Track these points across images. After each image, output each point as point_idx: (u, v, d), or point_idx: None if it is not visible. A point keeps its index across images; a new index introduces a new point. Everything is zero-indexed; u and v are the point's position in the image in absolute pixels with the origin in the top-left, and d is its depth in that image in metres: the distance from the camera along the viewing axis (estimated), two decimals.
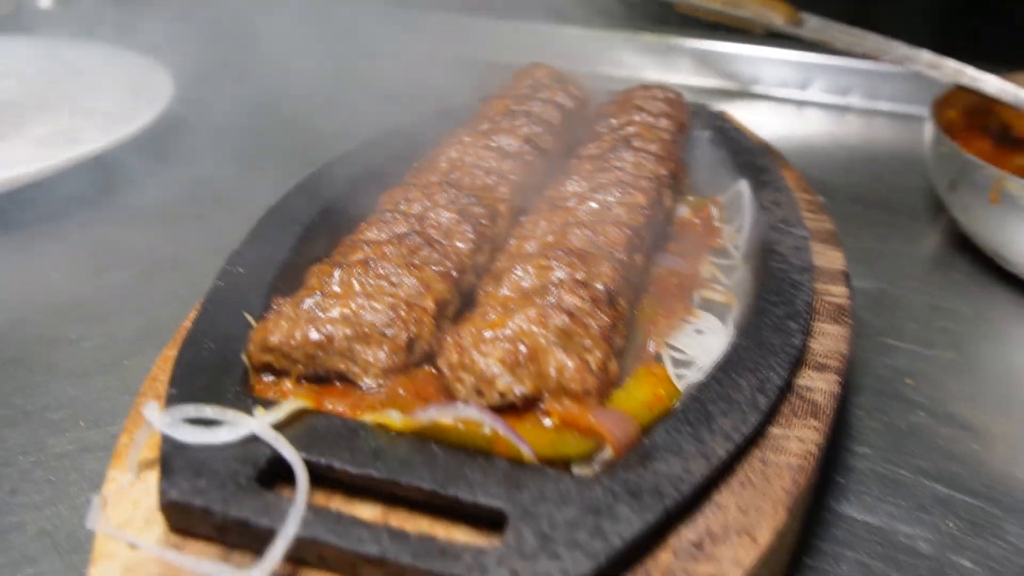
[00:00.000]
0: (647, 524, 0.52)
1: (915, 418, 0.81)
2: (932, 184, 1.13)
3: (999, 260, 1.02)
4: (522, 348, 0.59)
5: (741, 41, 1.54)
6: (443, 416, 0.56)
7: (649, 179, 0.83)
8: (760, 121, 1.03)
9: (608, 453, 0.58)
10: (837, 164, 1.33)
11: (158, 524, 0.54)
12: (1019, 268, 1.00)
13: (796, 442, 0.62)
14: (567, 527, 0.51)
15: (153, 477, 0.57)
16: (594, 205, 0.77)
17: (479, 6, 1.56)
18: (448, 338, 0.62)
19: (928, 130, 1.10)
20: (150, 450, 0.58)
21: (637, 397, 0.61)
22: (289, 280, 0.73)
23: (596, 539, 0.50)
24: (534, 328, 0.61)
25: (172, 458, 0.54)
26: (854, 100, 1.51)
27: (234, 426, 0.55)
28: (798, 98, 1.56)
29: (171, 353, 0.68)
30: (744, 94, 1.56)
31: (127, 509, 0.55)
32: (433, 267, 0.70)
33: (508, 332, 0.60)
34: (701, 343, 0.75)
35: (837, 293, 0.80)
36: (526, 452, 0.55)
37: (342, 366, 0.62)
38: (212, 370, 0.61)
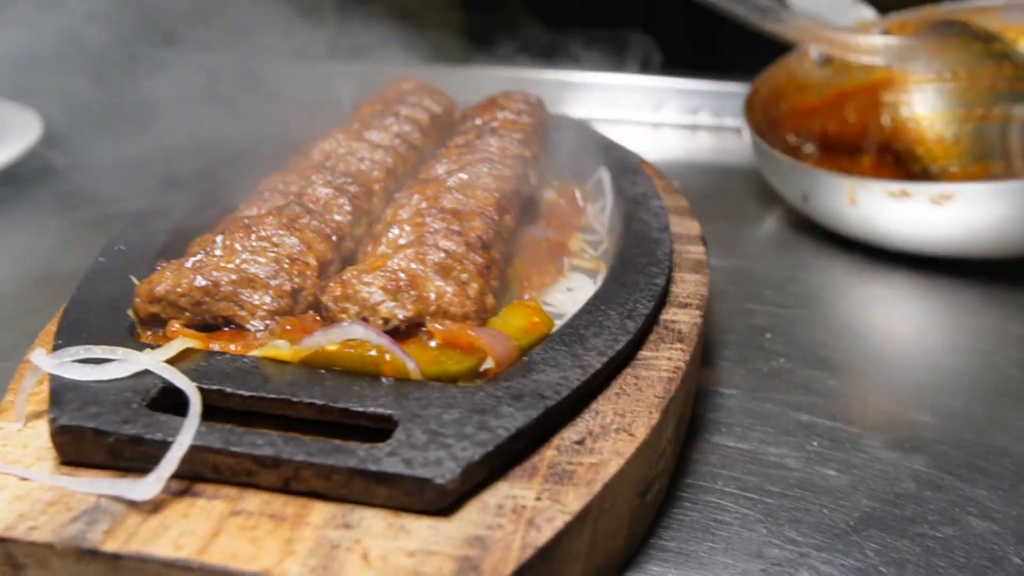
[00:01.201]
0: (529, 419, 0.55)
1: (776, 364, 0.87)
2: (772, 187, 1.23)
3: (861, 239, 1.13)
4: (402, 276, 0.62)
5: (595, 71, 1.64)
6: (329, 338, 0.58)
7: (514, 157, 0.89)
8: (622, 142, 1.11)
9: (490, 373, 0.61)
10: (691, 171, 1.43)
11: (48, 460, 0.54)
12: (895, 242, 1.11)
13: (665, 360, 0.66)
14: (455, 424, 0.53)
15: (41, 424, 0.57)
16: (464, 176, 0.82)
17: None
18: (330, 282, 0.64)
19: (760, 152, 1.20)
20: (37, 404, 0.59)
21: (513, 323, 0.64)
22: (171, 255, 0.74)
23: (482, 432, 0.53)
24: (412, 265, 0.64)
25: (61, 392, 0.54)
26: (703, 118, 1.62)
27: (124, 362, 0.57)
28: (653, 120, 1.66)
29: (53, 328, 0.68)
30: (602, 119, 1.65)
31: (15, 451, 0.55)
32: (312, 233, 0.72)
33: (388, 267, 0.63)
34: (572, 298, 0.79)
35: (695, 251, 0.86)
36: (412, 368, 0.58)
37: (229, 311, 0.63)
38: (98, 324, 0.62)
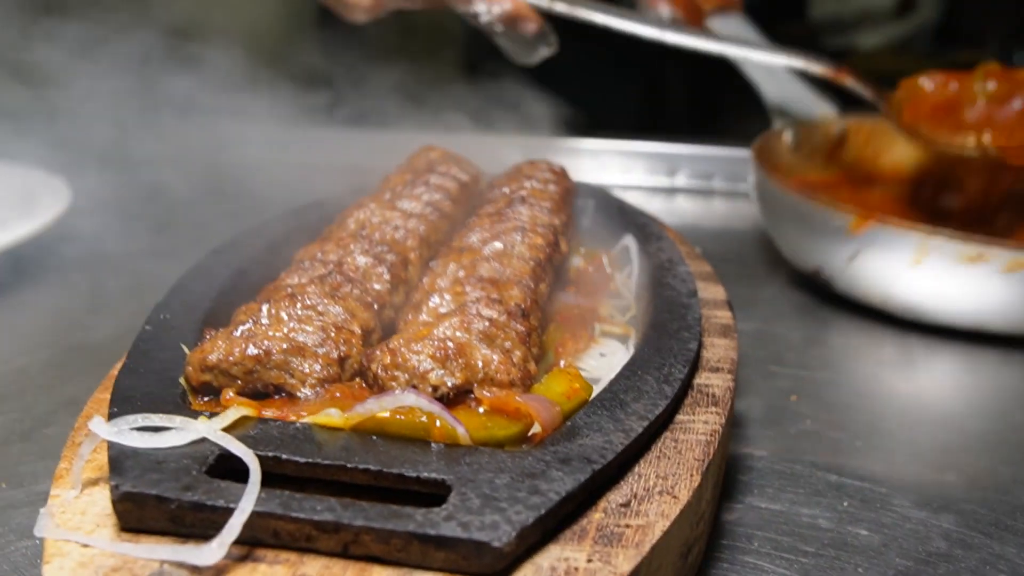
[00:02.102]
0: (578, 483, 0.56)
1: (803, 426, 0.88)
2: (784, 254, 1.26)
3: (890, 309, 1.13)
4: (450, 345, 0.64)
5: (610, 138, 1.68)
6: (381, 406, 0.60)
7: (545, 226, 0.91)
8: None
9: (536, 439, 0.62)
10: (706, 236, 1.45)
11: (108, 527, 0.55)
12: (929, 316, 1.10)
13: (701, 424, 0.68)
14: (507, 488, 0.55)
15: (98, 491, 0.58)
16: (499, 245, 0.84)
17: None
18: (377, 350, 0.66)
19: (778, 209, 1.22)
20: (92, 471, 0.60)
21: (555, 389, 0.66)
22: (216, 323, 0.76)
23: (534, 496, 0.54)
24: (458, 333, 0.66)
25: (121, 460, 0.56)
26: (717, 183, 1.65)
27: (182, 431, 0.58)
28: (667, 185, 1.69)
29: (103, 396, 0.70)
30: (617, 185, 1.68)
31: (74, 518, 0.56)
32: (354, 301, 0.74)
33: (435, 335, 0.65)
34: (606, 363, 0.81)
35: (722, 316, 0.88)
36: (461, 433, 0.59)
37: (279, 379, 0.65)
38: (151, 392, 0.64)
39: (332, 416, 0.60)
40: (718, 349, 0.81)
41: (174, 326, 0.74)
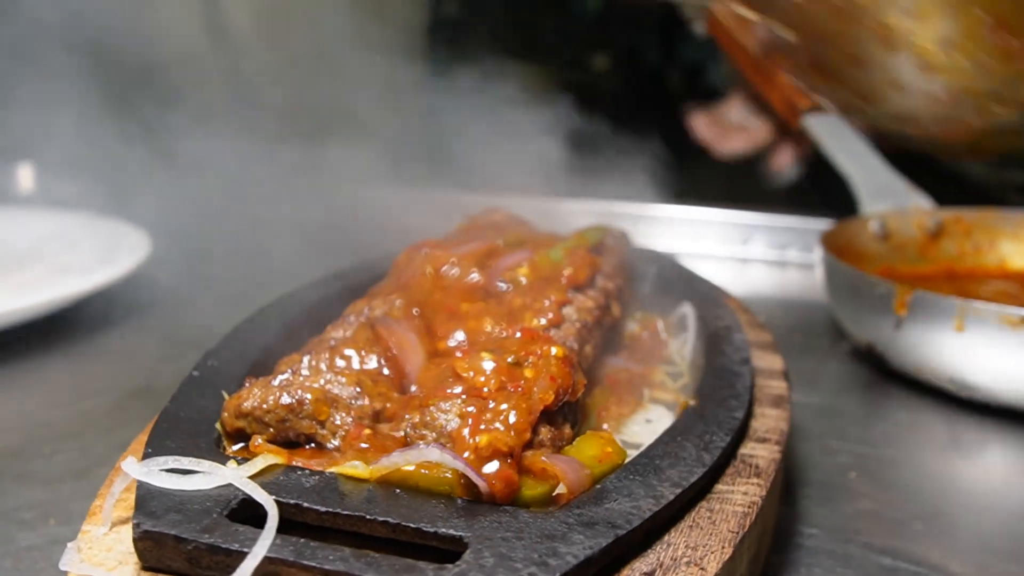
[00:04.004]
0: (599, 547, 0.55)
1: (860, 505, 0.85)
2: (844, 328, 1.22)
3: (952, 386, 1.08)
4: (471, 407, 0.63)
5: (681, 203, 1.66)
6: (406, 459, 0.59)
7: (597, 289, 0.90)
8: (709, 276, 1.13)
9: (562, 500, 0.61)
10: (778, 307, 1.42)
11: (130, 565, 0.56)
12: (975, 392, 1.06)
13: (741, 495, 0.66)
14: (524, 549, 0.54)
15: (126, 529, 0.59)
16: (546, 302, 0.83)
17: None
18: (407, 409, 0.66)
19: (837, 280, 1.19)
20: (123, 510, 0.61)
21: (587, 452, 0.65)
22: (262, 372, 0.77)
23: (552, 558, 0.53)
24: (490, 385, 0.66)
25: (147, 499, 0.57)
26: (792, 255, 1.62)
27: (209, 475, 0.59)
28: (740, 255, 1.67)
29: (144, 436, 0.71)
30: (688, 254, 1.67)
31: (99, 553, 0.57)
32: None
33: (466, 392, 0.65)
34: (650, 429, 0.80)
35: (776, 386, 0.85)
36: (484, 489, 0.58)
37: (311, 429, 0.65)
38: (186, 434, 0.65)
39: (357, 468, 0.60)
40: (768, 419, 0.78)
41: (220, 372, 0.76)
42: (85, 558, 0.56)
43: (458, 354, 0.71)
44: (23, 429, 0.96)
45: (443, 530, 0.55)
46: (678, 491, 0.62)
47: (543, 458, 0.61)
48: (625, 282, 0.99)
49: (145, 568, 0.55)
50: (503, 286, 0.88)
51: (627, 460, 0.66)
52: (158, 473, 0.58)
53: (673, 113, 2.05)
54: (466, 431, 0.60)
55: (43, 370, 1.12)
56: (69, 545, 0.57)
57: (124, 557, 0.56)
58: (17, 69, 1.60)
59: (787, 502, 0.85)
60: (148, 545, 0.54)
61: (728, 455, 0.70)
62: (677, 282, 1.09)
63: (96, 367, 1.14)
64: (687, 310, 1.00)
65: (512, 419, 0.61)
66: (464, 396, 0.64)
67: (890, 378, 1.12)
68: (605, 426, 0.77)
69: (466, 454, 0.59)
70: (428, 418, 0.64)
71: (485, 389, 0.65)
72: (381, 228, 1.27)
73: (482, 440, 0.59)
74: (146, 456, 0.61)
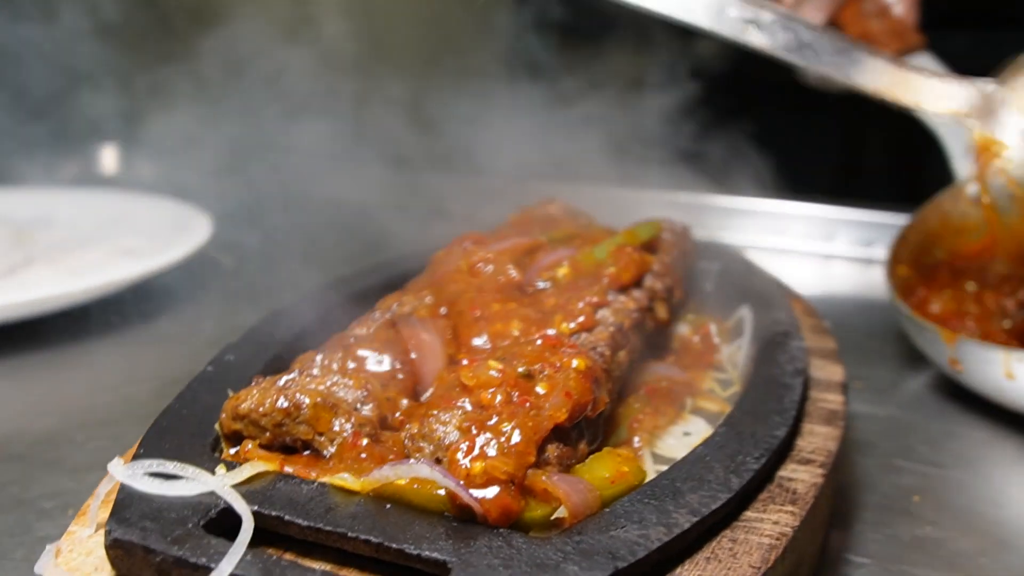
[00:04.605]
0: None
1: (921, 532, 0.77)
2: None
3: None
4: (472, 425, 0.59)
5: (765, 196, 1.58)
6: (396, 473, 0.56)
7: (641, 289, 0.85)
8: (786, 274, 1.05)
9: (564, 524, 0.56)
10: (859, 309, 1.34)
11: (106, 571, 0.54)
12: None
13: (770, 524, 0.60)
14: None
15: None
16: (580, 304, 0.78)
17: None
18: (410, 420, 0.62)
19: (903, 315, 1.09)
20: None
21: (598, 471, 0.60)
22: (279, 369, 0.74)
23: None
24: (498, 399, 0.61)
25: (125, 504, 0.54)
26: (877, 252, 1.51)
27: (192, 481, 0.56)
28: (824, 252, 1.58)
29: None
30: (769, 248, 1.58)
31: (78, 557, 0.55)
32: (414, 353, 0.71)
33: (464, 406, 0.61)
34: (686, 443, 0.74)
35: (832, 400, 0.79)
36: (478, 510, 0.54)
37: (308, 435, 0.62)
38: (184, 435, 0.63)
39: (347, 481, 0.57)
40: (816, 438, 0.72)
41: (235, 368, 0.73)
42: (63, 562, 0.55)
43: (464, 361, 0.66)
44: (61, 414, 0.96)
45: (427, 553, 0.52)
46: (695, 519, 0.56)
47: (544, 478, 0.56)
48: (677, 282, 0.92)
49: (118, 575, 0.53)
50: (541, 285, 0.84)
51: (647, 480, 0.61)
52: (142, 477, 0.56)
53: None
54: (460, 454, 0.55)
55: (92, 354, 1.12)
56: (48, 547, 0.55)
57: (101, 563, 0.54)
58: (114, 56, 1.63)
59: (840, 525, 0.78)
60: (119, 554, 0.52)
61: (763, 478, 0.64)
62: (740, 280, 1.02)
63: (147, 352, 1.14)
64: (744, 313, 0.93)
65: (515, 439, 0.57)
66: (466, 408, 0.60)
67: (969, 395, 1.03)
68: (636, 439, 0.72)
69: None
70: (427, 429, 0.60)
71: (495, 401, 0.61)
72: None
73: (475, 468, 0.54)
74: (136, 457, 0.59)
